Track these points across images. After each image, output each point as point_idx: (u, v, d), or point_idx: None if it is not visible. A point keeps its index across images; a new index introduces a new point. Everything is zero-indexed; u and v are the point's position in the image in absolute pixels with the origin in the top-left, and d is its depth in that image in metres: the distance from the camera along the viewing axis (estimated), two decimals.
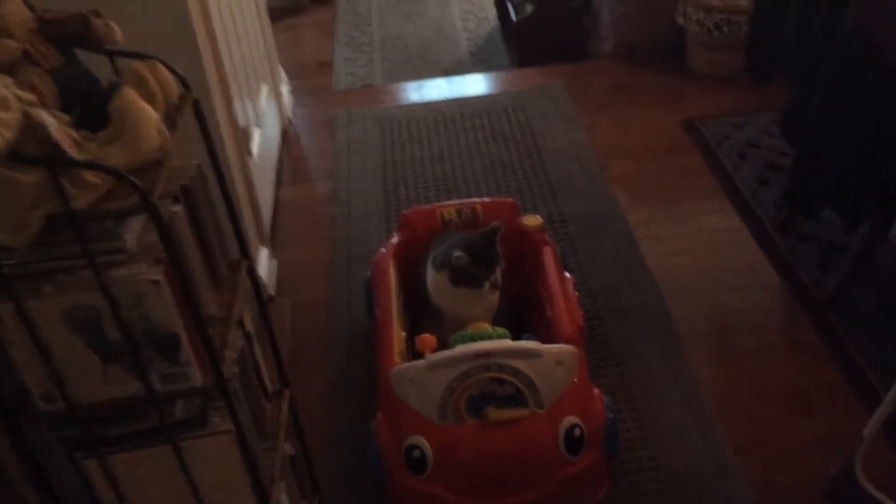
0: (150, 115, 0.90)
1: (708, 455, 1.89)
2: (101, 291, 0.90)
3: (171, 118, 0.99)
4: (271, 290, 2.46)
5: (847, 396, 2.02)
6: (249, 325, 1.20)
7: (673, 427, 1.96)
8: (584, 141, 2.99)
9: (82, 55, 1.06)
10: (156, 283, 0.91)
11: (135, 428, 1.03)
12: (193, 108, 1.08)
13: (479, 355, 1.75)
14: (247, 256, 1.20)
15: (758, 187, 2.68)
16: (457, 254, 1.93)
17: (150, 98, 0.95)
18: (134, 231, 0.95)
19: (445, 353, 1.76)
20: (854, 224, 2.11)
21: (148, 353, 0.95)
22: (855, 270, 2.20)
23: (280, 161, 3.03)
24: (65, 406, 0.97)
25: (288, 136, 3.20)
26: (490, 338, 1.82)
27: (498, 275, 1.95)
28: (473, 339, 1.82)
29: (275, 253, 2.59)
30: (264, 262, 2.47)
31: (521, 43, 3.80)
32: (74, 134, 0.87)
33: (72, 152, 0.84)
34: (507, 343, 1.78)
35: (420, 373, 1.77)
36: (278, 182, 2.93)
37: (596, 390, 1.86)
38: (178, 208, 1.01)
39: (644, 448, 1.92)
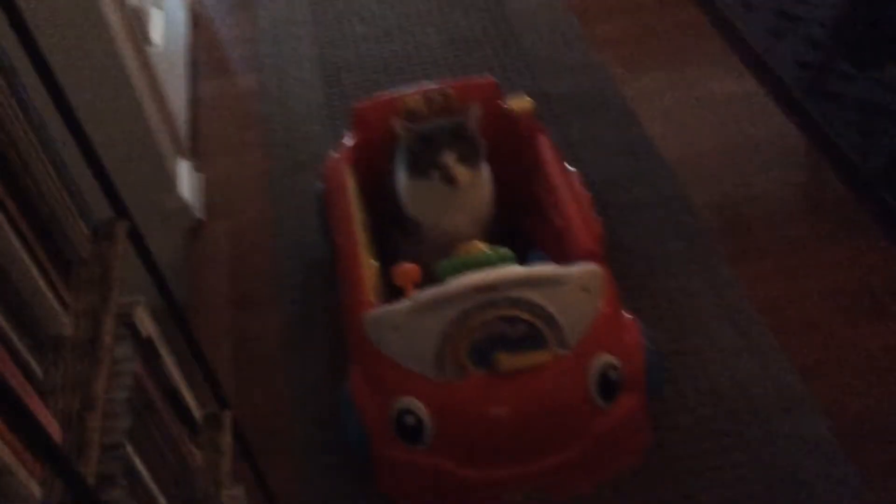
0: None
1: (768, 382, 1.53)
2: None
3: None
4: (199, 213, 1.97)
5: None
6: (147, 325, 0.74)
7: (720, 350, 1.59)
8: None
9: None
10: None
11: None
12: None
13: (481, 289, 1.32)
14: (123, 211, 0.72)
15: (772, 41, 2.24)
16: (402, 122, 1.54)
17: None
18: None
19: (436, 290, 1.33)
20: None
21: None
22: None
23: (191, 50, 2.47)
24: None
25: (198, 19, 2.62)
26: (490, 263, 1.40)
27: (449, 164, 1.49)
28: (468, 265, 1.40)
29: (199, 166, 2.09)
30: (186, 177, 1.97)
31: None
32: None
33: None
34: (516, 270, 1.36)
35: (405, 318, 1.35)
36: (192, 77, 2.38)
37: (629, 316, 1.46)
38: None
39: (689, 380, 1.55)
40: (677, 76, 2.21)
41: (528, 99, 1.73)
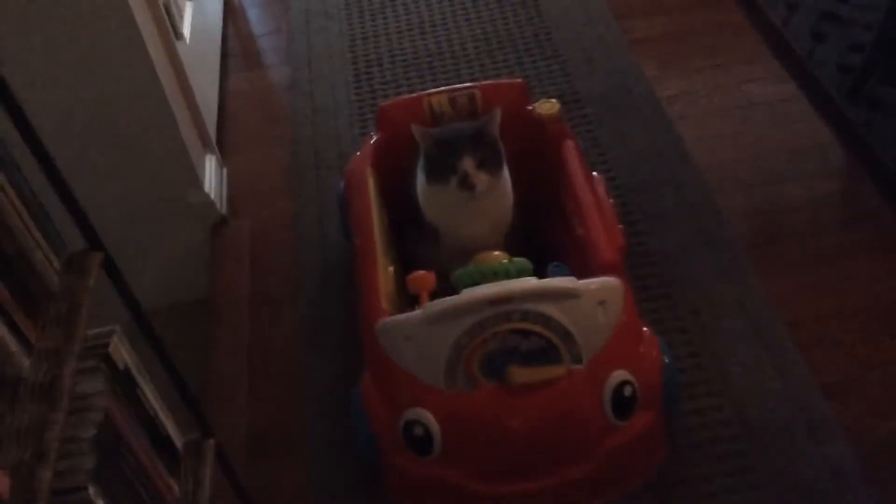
0: None
1: (791, 401, 1.48)
2: None
3: None
4: (222, 209, 1.97)
5: None
6: (123, 355, 0.72)
7: (743, 366, 1.54)
8: None
9: None
10: None
11: None
12: None
13: (496, 301, 1.30)
14: (98, 243, 0.70)
15: (815, 44, 2.17)
16: (419, 126, 1.51)
17: None
18: None
19: (450, 301, 1.31)
20: None
21: None
22: None
23: (224, 43, 2.47)
24: None
25: (233, 10, 2.62)
26: (507, 273, 1.38)
27: (468, 171, 1.46)
28: (484, 275, 1.38)
29: (225, 160, 2.09)
30: (212, 172, 1.97)
31: None
32: None
33: None
34: (532, 283, 1.33)
35: (417, 327, 1.33)
36: (224, 70, 2.39)
37: (647, 331, 1.42)
38: None
39: (708, 396, 1.51)
40: (714, 78, 2.15)
41: (556, 102, 1.70)
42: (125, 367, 0.72)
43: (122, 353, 0.72)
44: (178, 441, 0.83)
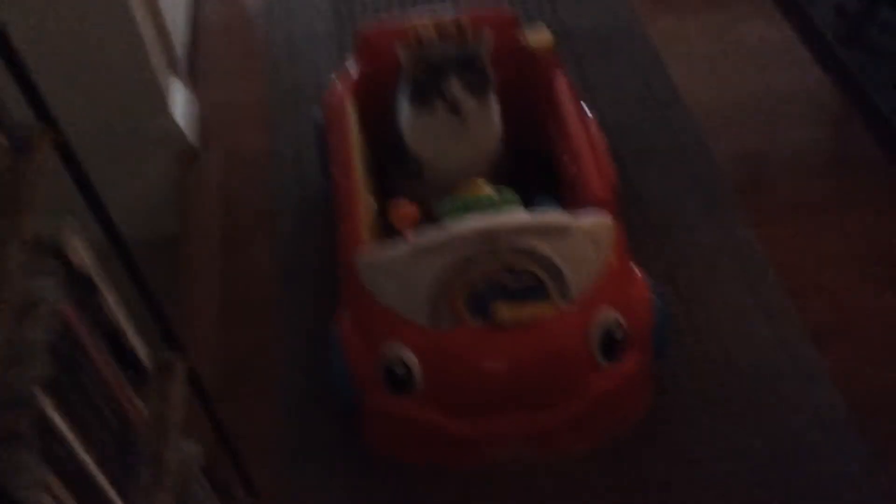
0: None
1: (779, 347, 1.45)
2: None
3: None
4: (193, 140, 1.88)
5: None
6: (81, 253, 0.63)
7: (731, 311, 1.50)
8: None
9: None
10: None
11: None
12: None
13: (484, 235, 1.23)
14: (48, 119, 0.60)
15: None
16: (406, 48, 1.43)
17: None
18: None
19: (436, 234, 1.25)
20: None
21: None
22: None
23: None
24: None
25: None
26: (493, 205, 1.31)
27: (454, 92, 1.39)
28: (468, 207, 1.31)
29: (198, 91, 1.98)
30: (178, 98, 1.86)
31: None
32: None
33: None
34: (523, 217, 1.27)
35: (401, 261, 1.27)
36: None
37: (637, 271, 1.37)
38: None
39: (696, 341, 1.47)
40: (708, 18, 2.08)
41: (548, 33, 1.62)
42: (83, 267, 0.63)
43: (80, 251, 0.63)
44: (146, 360, 0.76)
